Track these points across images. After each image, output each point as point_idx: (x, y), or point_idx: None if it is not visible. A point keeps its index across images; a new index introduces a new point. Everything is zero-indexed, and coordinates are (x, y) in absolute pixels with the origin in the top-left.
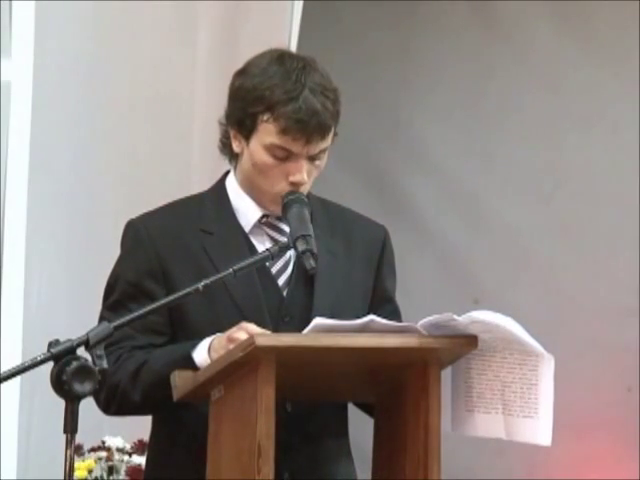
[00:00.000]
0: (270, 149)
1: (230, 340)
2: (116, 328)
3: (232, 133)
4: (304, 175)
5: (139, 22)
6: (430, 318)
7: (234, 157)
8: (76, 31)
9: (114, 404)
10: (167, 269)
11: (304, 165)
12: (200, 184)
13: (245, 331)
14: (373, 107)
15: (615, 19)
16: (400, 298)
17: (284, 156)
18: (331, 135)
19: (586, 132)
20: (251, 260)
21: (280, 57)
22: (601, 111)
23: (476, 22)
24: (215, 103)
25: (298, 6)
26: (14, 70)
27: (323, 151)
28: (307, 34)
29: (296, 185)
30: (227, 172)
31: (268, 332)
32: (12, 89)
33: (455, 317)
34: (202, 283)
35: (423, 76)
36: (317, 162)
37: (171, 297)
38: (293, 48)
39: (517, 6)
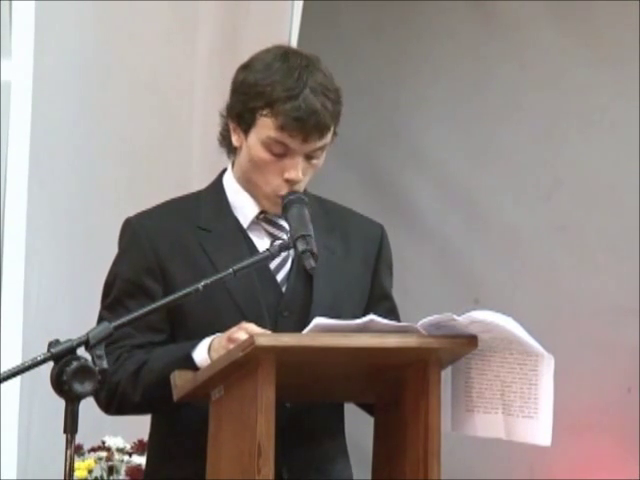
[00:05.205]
0: (267, 144)
1: (230, 340)
2: (116, 328)
3: (232, 126)
4: (299, 172)
5: (139, 22)
6: (430, 318)
7: (233, 151)
8: (76, 31)
9: (114, 404)
10: (165, 267)
11: (300, 162)
12: (200, 183)
13: (245, 331)
14: (373, 107)
15: (615, 19)
16: (400, 298)
17: (281, 152)
18: (330, 134)
19: (586, 131)
20: (251, 260)
21: (285, 54)
22: (601, 111)
23: (475, 22)
24: (215, 102)
25: (298, 6)
26: (14, 70)
27: (321, 149)
28: (307, 34)
29: (291, 182)
30: (224, 170)
31: (268, 332)
32: (12, 89)
33: (455, 317)
34: (202, 283)
35: (423, 76)
36: (314, 161)
37: (171, 297)
38: None
39: (516, 5)
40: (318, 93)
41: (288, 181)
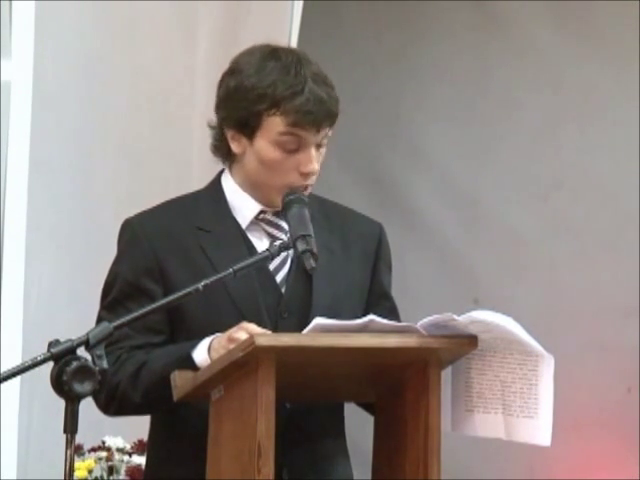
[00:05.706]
0: (279, 143)
1: (230, 340)
2: (116, 328)
3: (230, 134)
4: (315, 164)
5: (139, 22)
6: (430, 318)
7: (230, 158)
8: (76, 31)
9: (114, 405)
10: (164, 267)
11: (314, 154)
12: (200, 183)
13: (245, 331)
14: (373, 107)
15: (615, 19)
16: (400, 298)
17: (294, 148)
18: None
19: (586, 132)
20: (251, 260)
21: (273, 52)
22: (601, 111)
23: (476, 21)
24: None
25: (298, 6)
26: (14, 70)
27: (327, 136)
28: (307, 34)
29: (308, 175)
30: (222, 170)
31: (268, 332)
32: (12, 89)
33: (455, 317)
34: (202, 283)
35: (423, 75)
36: (322, 149)
37: (171, 297)
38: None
39: (517, 6)
40: (320, 83)
41: (304, 174)
